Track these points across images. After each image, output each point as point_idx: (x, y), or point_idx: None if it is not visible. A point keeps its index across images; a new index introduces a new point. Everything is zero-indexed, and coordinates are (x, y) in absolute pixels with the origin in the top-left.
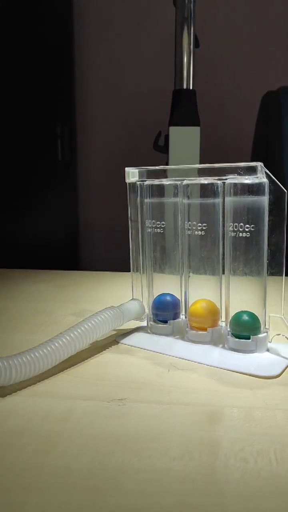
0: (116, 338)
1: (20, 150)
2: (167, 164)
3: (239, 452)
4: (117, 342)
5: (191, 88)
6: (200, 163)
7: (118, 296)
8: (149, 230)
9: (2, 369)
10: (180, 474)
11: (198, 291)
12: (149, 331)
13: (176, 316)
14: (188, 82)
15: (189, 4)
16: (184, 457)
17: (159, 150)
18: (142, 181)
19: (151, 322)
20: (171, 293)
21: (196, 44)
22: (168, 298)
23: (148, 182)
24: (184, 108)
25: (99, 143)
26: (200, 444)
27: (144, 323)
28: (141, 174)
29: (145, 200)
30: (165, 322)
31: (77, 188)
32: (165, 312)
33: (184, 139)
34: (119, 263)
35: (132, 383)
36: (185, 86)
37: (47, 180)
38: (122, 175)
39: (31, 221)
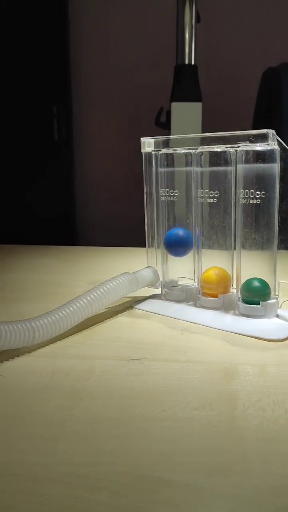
0: (131, 304)
1: (17, 130)
2: None
3: (256, 402)
4: (132, 308)
5: (192, 63)
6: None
7: (128, 268)
8: (163, 199)
9: (26, 330)
10: (203, 422)
11: (210, 259)
12: (163, 298)
13: (185, 251)
14: (190, 57)
15: None
16: (205, 408)
17: (161, 126)
18: (157, 150)
19: (165, 289)
20: (184, 259)
21: (197, 19)
22: (181, 232)
23: (163, 151)
24: (186, 84)
25: (96, 121)
26: (219, 396)
27: (158, 291)
28: (156, 144)
29: (159, 169)
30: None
31: (73, 166)
32: (178, 247)
33: (186, 115)
34: (116, 240)
35: (147, 344)
36: (187, 62)
37: (44, 160)
38: (120, 152)
39: (29, 199)
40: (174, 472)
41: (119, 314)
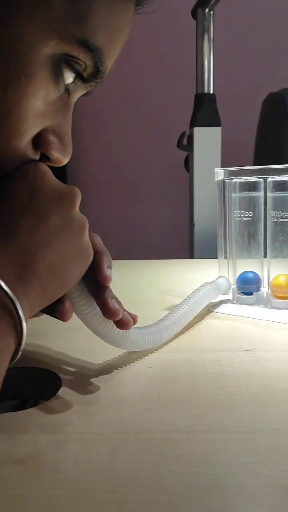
0: (209, 308)
1: None
2: (187, 161)
3: None
4: (212, 311)
5: (211, 92)
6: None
7: (184, 278)
8: (237, 219)
9: (154, 333)
10: None
11: (278, 267)
12: (234, 302)
13: (258, 289)
14: (209, 87)
15: (208, 17)
16: None
17: (183, 149)
18: (229, 179)
19: (237, 294)
20: (252, 270)
21: None
22: (250, 274)
23: (236, 179)
24: (206, 110)
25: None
26: None
27: (227, 296)
28: (225, 173)
29: (233, 195)
30: (249, 294)
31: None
32: (250, 286)
33: (208, 138)
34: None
35: (247, 338)
36: (206, 91)
37: None
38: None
39: None
40: None
41: (206, 317)
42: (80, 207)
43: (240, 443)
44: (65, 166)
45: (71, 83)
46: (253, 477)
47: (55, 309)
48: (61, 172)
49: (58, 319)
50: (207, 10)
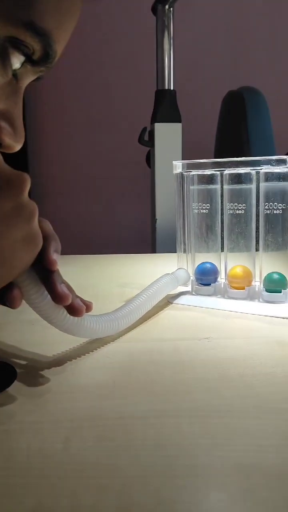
0: (168, 300)
1: None
2: (148, 157)
3: None
4: (171, 303)
5: (171, 88)
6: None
7: (142, 271)
8: (195, 211)
9: (111, 321)
10: (283, 374)
11: (234, 259)
12: (193, 293)
13: (215, 280)
14: (170, 83)
15: (168, 13)
16: (278, 366)
17: (144, 144)
18: (187, 171)
19: (196, 286)
20: (212, 260)
21: None
22: (208, 265)
23: (194, 172)
24: (167, 106)
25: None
26: (282, 357)
27: (186, 288)
28: (183, 166)
29: (191, 187)
30: (207, 285)
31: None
32: (208, 277)
33: (169, 134)
34: None
35: (204, 327)
36: (166, 87)
37: None
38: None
39: None
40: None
41: (165, 308)
42: (42, 202)
43: (193, 426)
44: (26, 161)
45: (19, 68)
46: (206, 457)
47: (4, 297)
48: (23, 168)
49: (8, 307)
50: (167, 6)
